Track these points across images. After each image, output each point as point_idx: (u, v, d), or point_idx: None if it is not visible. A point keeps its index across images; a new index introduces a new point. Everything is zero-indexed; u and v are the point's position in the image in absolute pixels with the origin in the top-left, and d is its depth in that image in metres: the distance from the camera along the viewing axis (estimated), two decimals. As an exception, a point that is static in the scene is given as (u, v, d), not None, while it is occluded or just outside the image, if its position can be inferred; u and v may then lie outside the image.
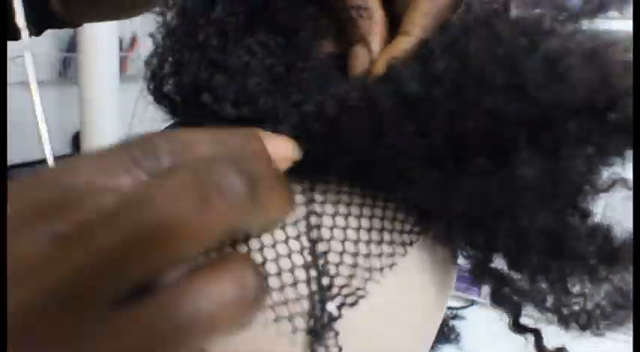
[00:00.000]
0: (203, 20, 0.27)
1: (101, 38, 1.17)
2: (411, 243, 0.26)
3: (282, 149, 0.22)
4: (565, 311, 0.27)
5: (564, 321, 0.27)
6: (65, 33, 1.51)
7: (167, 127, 0.32)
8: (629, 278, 0.25)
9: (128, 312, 0.15)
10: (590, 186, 0.24)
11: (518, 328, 0.29)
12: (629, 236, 0.24)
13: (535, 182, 0.21)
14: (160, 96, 0.29)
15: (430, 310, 0.29)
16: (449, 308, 0.92)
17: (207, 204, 0.16)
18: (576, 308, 0.26)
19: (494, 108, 0.21)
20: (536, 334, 0.29)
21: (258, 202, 0.17)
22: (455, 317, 0.93)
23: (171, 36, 0.28)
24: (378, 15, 0.26)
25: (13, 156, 1.41)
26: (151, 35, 0.29)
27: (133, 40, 1.64)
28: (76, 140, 1.53)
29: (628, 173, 0.24)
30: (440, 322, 0.30)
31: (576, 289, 0.26)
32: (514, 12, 0.24)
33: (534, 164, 0.21)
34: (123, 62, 1.57)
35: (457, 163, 0.22)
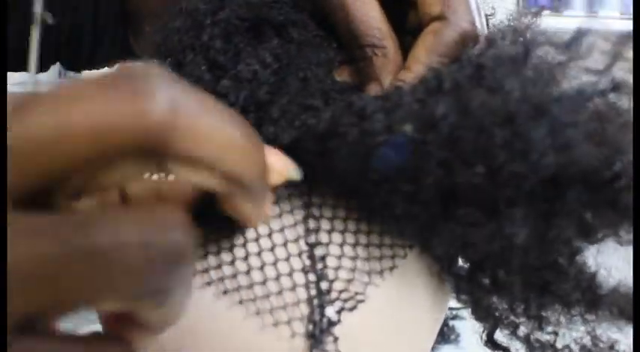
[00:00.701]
0: (209, 21, 0.27)
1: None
2: (411, 246, 0.26)
3: (279, 165, 0.22)
4: (535, 344, 0.27)
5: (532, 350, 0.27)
6: (65, 33, 1.51)
7: None
8: (610, 324, 0.25)
9: None
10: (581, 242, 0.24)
11: (491, 343, 0.28)
12: (616, 287, 0.24)
13: (523, 242, 0.21)
14: None
15: (431, 312, 0.28)
16: (449, 308, 0.92)
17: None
18: (545, 343, 0.27)
19: (492, 165, 0.20)
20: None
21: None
22: (455, 317, 0.93)
23: (174, 35, 0.28)
24: (392, 53, 0.25)
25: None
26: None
27: (133, 40, 1.64)
28: (76, 140, 1.53)
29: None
30: (441, 323, 0.30)
31: (550, 326, 0.26)
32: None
33: (526, 226, 0.21)
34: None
35: (445, 208, 0.22)
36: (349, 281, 0.24)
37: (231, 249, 0.24)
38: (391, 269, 0.25)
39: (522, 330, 0.27)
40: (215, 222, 0.21)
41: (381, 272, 0.25)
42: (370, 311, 0.25)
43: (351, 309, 0.24)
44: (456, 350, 0.84)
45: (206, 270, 0.24)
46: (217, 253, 0.24)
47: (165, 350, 0.26)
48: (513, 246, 0.22)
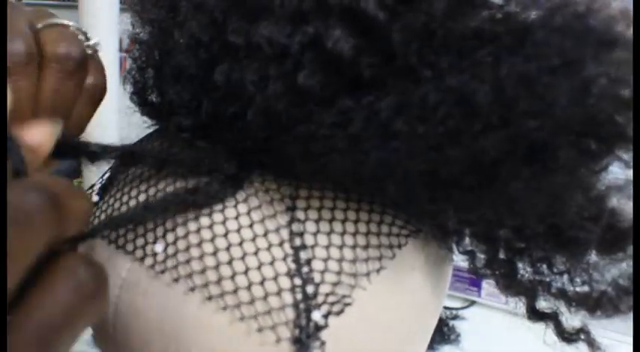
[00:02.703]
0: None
1: (101, 38, 1.17)
2: (399, 246, 0.26)
3: (37, 136, 0.21)
4: (573, 296, 0.26)
5: (571, 305, 0.26)
6: (65, 33, 1.50)
7: (150, 135, 0.32)
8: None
9: None
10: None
11: (535, 314, 0.28)
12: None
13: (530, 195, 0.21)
14: (144, 103, 0.29)
15: (424, 312, 0.28)
16: (449, 308, 0.92)
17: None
18: (582, 294, 0.26)
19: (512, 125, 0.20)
20: (555, 318, 0.28)
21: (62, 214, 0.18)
22: (455, 317, 0.93)
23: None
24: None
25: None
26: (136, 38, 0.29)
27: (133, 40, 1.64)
28: (76, 140, 1.53)
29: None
30: (436, 323, 0.30)
31: (580, 276, 0.26)
32: None
33: (532, 178, 0.21)
34: (123, 62, 1.57)
35: (454, 177, 0.22)
36: (336, 284, 0.24)
37: (214, 254, 0.24)
38: (378, 270, 0.25)
39: (555, 287, 0.26)
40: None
41: (367, 274, 0.24)
42: (358, 314, 0.24)
43: (338, 313, 0.24)
44: (456, 350, 0.84)
45: (190, 276, 0.24)
46: (200, 258, 0.24)
47: None
48: (514, 207, 0.22)
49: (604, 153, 0.22)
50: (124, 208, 0.27)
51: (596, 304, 0.26)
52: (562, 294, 0.26)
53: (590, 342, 0.28)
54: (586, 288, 0.26)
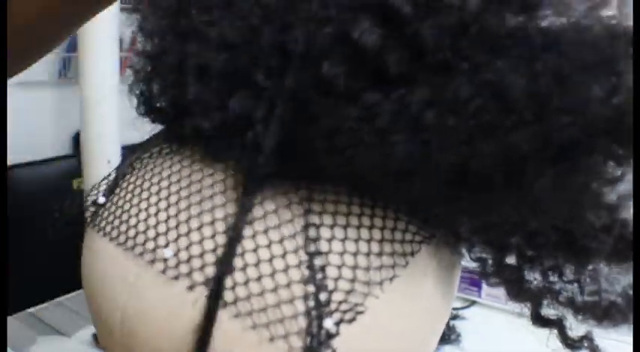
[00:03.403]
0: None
1: (101, 38, 1.17)
2: (412, 253, 0.26)
3: None
4: (580, 306, 0.26)
5: (579, 313, 0.26)
6: (65, 33, 1.50)
7: (160, 133, 0.32)
8: None
9: None
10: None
11: (540, 320, 0.28)
12: None
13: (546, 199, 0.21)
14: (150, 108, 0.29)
15: (435, 317, 0.28)
16: (449, 308, 0.92)
17: None
18: (590, 303, 0.26)
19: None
20: (560, 325, 0.28)
21: None
22: (455, 317, 0.93)
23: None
24: None
25: (13, 156, 1.41)
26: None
27: (133, 40, 1.64)
28: (76, 140, 1.52)
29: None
30: (444, 327, 0.30)
31: (591, 286, 0.26)
32: None
33: (548, 185, 0.21)
34: (123, 62, 1.57)
35: (466, 183, 0.22)
36: (349, 292, 0.24)
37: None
38: (391, 279, 0.25)
39: (564, 296, 0.26)
40: None
41: (380, 283, 0.24)
42: (370, 322, 0.24)
43: (350, 321, 0.23)
44: (456, 349, 0.84)
45: (205, 283, 0.24)
46: (215, 264, 0.24)
47: None
48: (537, 208, 0.22)
49: (626, 159, 0.22)
50: (133, 210, 0.27)
51: (604, 314, 0.26)
52: (570, 303, 0.26)
53: (594, 349, 0.28)
54: (595, 298, 0.26)
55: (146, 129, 0.35)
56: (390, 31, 0.21)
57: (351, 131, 0.21)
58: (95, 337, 0.84)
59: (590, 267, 0.25)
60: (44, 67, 1.49)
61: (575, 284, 0.26)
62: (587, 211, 0.23)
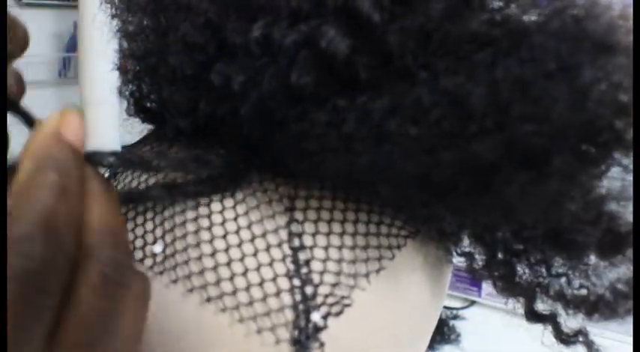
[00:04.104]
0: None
1: (101, 38, 1.17)
2: (398, 247, 0.26)
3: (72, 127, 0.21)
4: (570, 299, 0.26)
5: (569, 307, 0.26)
6: (65, 33, 1.51)
7: (145, 138, 0.32)
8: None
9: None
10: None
11: (533, 316, 0.28)
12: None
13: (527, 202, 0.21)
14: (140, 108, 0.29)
15: (423, 312, 0.28)
16: (449, 308, 0.92)
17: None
18: (580, 297, 0.26)
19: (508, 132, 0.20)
20: (553, 320, 0.28)
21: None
22: (455, 317, 0.93)
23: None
24: None
25: (13, 157, 1.41)
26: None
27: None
28: (76, 140, 1.53)
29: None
30: (436, 323, 0.30)
31: (579, 279, 0.26)
32: None
33: (529, 183, 0.21)
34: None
35: (454, 181, 0.21)
36: (335, 285, 0.24)
37: (213, 255, 0.24)
38: (378, 271, 0.25)
39: (553, 289, 0.26)
40: None
41: (367, 275, 0.24)
42: (357, 315, 0.24)
43: (338, 314, 0.24)
44: (456, 349, 0.84)
45: (188, 277, 0.24)
46: (199, 259, 0.24)
47: None
48: (508, 213, 0.22)
49: (602, 158, 0.21)
50: (122, 209, 0.27)
51: (593, 307, 0.26)
52: (560, 297, 0.26)
53: (588, 344, 0.28)
54: (584, 291, 0.26)
55: (146, 129, 0.35)
56: (357, 37, 0.21)
57: (319, 136, 0.21)
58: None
59: (578, 261, 0.25)
60: (44, 67, 1.49)
61: (564, 278, 0.26)
62: (568, 210, 0.23)
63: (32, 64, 1.45)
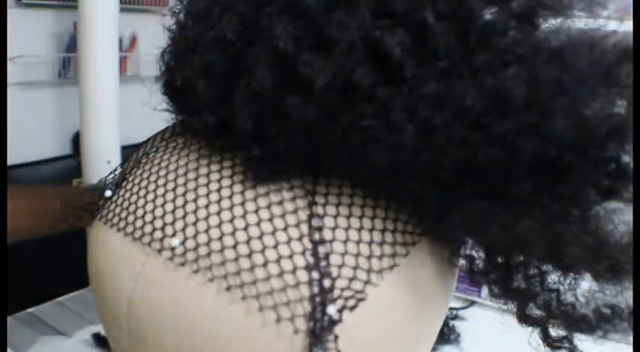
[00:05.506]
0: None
1: (101, 38, 1.17)
2: (413, 243, 0.26)
3: None
4: (555, 311, 0.27)
5: (550, 318, 0.27)
6: (65, 33, 1.51)
7: (166, 129, 0.32)
8: (628, 285, 0.25)
9: None
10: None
11: (525, 319, 0.28)
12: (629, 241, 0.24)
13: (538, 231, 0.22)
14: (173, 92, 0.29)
15: (433, 310, 0.28)
16: (449, 308, 0.92)
17: None
18: (565, 311, 0.27)
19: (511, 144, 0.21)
20: (543, 325, 0.28)
21: None
22: (455, 317, 0.93)
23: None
24: None
25: (13, 156, 1.41)
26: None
27: (133, 40, 1.64)
28: (76, 140, 1.52)
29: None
30: (442, 321, 0.30)
31: (567, 295, 0.26)
32: None
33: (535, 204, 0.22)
34: (123, 62, 1.57)
35: (461, 189, 0.22)
36: (351, 279, 0.24)
37: (234, 247, 0.24)
38: (392, 268, 0.25)
39: (542, 300, 0.27)
40: None
41: (380, 271, 0.25)
42: (370, 310, 0.25)
43: (353, 308, 0.24)
44: (456, 350, 0.84)
45: (209, 268, 0.24)
46: (221, 251, 0.24)
47: (166, 348, 0.26)
48: (523, 228, 0.22)
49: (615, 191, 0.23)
50: (141, 202, 0.28)
51: (573, 324, 0.27)
52: (546, 308, 0.27)
53: (572, 350, 0.28)
54: (570, 308, 0.27)
55: (146, 129, 0.36)
56: (415, 41, 0.22)
57: (366, 128, 0.22)
58: (95, 337, 0.84)
59: (573, 280, 0.26)
60: (44, 67, 1.49)
61: (554, 294, 0.27)
62: (572, 224, 0.24)
63: (32, 64, 1.45)
